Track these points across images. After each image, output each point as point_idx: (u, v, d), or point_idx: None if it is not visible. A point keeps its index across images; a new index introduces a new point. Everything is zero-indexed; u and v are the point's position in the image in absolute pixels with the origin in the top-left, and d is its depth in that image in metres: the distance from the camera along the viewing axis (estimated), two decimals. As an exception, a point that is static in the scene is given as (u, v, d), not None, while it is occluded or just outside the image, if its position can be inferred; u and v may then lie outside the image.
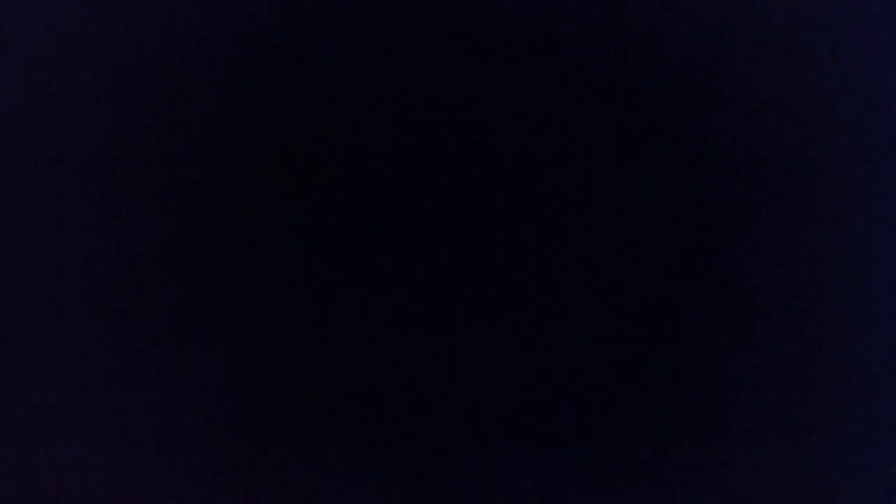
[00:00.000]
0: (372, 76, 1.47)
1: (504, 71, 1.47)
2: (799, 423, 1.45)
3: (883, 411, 1.44)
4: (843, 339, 1.45)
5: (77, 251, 1.46)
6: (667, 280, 1.45)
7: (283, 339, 1.45)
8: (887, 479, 1.44)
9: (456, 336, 1.45)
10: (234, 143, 1.47)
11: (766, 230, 1.46)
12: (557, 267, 1.45)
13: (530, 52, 1.47)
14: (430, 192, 1.46)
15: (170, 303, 1.45)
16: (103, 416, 1.45)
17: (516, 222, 1.46)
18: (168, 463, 1.45)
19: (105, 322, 1.45)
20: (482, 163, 1.46)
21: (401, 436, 1.45)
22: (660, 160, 1.46)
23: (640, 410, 1.44)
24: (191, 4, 1.48)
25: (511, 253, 1.45)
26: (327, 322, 1.45)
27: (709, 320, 1.45)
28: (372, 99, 1.47)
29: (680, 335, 1.45)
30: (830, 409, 1.45)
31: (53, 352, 1.45)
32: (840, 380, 1.45)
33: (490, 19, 1.47)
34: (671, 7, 1.47)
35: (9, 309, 1.45)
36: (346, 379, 1.45)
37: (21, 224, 1.46)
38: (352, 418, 1.45)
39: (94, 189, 1.46)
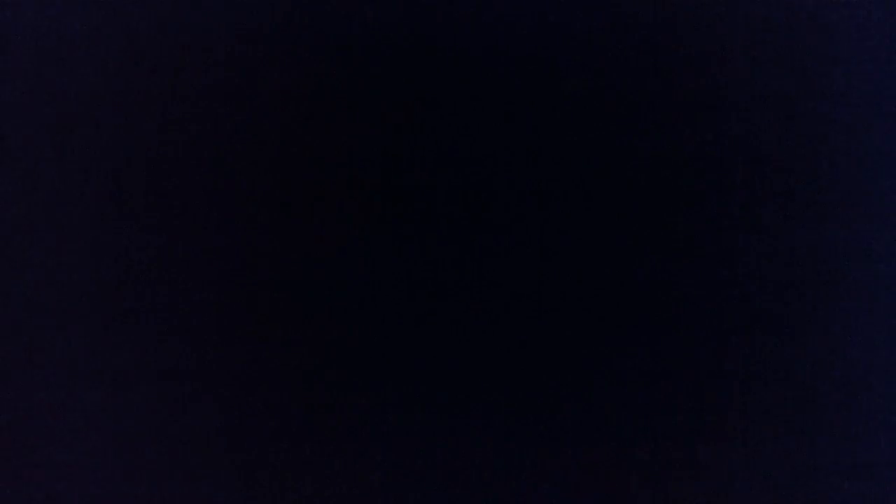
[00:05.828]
0: (371, 76, 1.47)
1: (503, 70, 1.47)
2: (799, 423, 1.45)
3: (883, 411, 1.45)
4: (844, 339, 1.45)
5: (77, 251, 1.46)
6: (667, 280, 1.45)
7: (284, 338, 1.45)
8: (887, 479, 1.44)
9: (456, 336, 1.45)
10: (235, 144, 1.47)
11: (766, 230, 1.46)
12: (557, 267, 1.45)
13: (529, 51, 1.47)
14: (429, 192, 1.46)
15: (170, 303, 1.45)
16: (103, 416, 1.45)
17: (516, 222, 1.46)
18: (168, 463, 1.45)
19: (105, 322, 1.45)
20: (482, 162, 1.46)
21: (399, 436, 1.45)
22: (659, 160, 1.46)
23: (640, 410, 1.44)
24: (191, 4, 1.48)
25: (511, 253, 1.46)
26: (327, 322, 1.45)
27: (709, 320, 1.45)
28: (371, 98, 1.47)
29: (680, 335, 1.45)
30: (830, 408, 1.45)
31: (53, 352, 1.46)
32: (840, 380, 1.45)
33: (489, 19, 1.48)
34: (671, 6, 1.47)
35: (9, 309, 1.45)
36: (346, 379, 1.45)
37: (21, 224, 1.46)
38: (352, 418, 1.45)
39: (94, 189, 1.47)
